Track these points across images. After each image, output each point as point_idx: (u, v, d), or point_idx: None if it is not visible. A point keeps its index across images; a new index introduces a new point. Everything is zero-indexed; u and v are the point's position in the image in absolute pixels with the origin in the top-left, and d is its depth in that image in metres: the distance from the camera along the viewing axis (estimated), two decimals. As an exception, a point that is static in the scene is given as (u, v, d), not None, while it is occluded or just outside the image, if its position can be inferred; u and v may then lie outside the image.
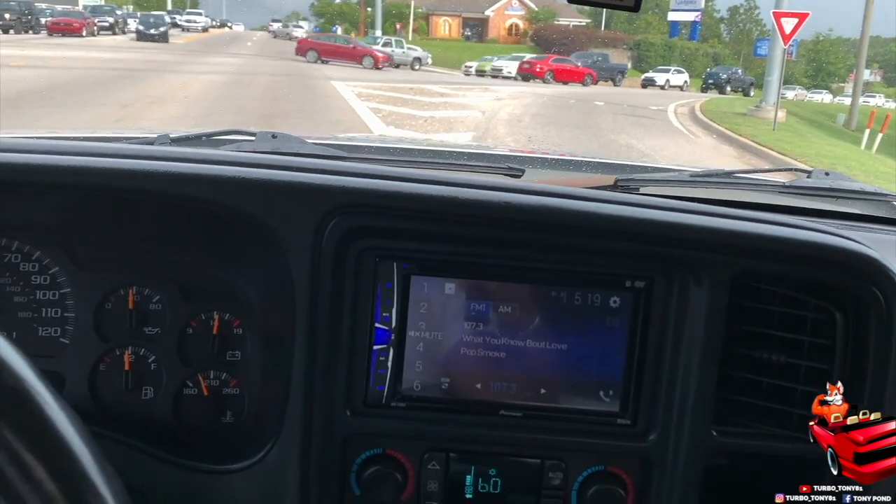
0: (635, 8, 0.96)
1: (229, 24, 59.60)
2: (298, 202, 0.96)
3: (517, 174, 1.57)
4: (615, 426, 1.03)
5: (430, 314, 1.02)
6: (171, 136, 1.55)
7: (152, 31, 31.72)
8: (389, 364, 1.01)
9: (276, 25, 51.82)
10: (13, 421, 0.46)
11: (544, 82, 28.56)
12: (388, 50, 31.57)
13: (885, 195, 1.72)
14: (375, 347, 1.01)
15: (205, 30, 45.53)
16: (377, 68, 27.98)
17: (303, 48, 29.42)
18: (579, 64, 31.66)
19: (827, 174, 1.77)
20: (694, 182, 1.77)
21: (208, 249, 1.08)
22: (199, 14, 48.08)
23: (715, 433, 1.01)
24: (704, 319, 0.99)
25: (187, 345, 1.09)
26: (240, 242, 1.04)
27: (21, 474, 0.45)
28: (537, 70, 29.72)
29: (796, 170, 1.92)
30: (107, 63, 17.61)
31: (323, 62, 27.64)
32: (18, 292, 1.07)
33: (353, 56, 29.12)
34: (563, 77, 29.55)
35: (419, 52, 34.46)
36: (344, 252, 0.98)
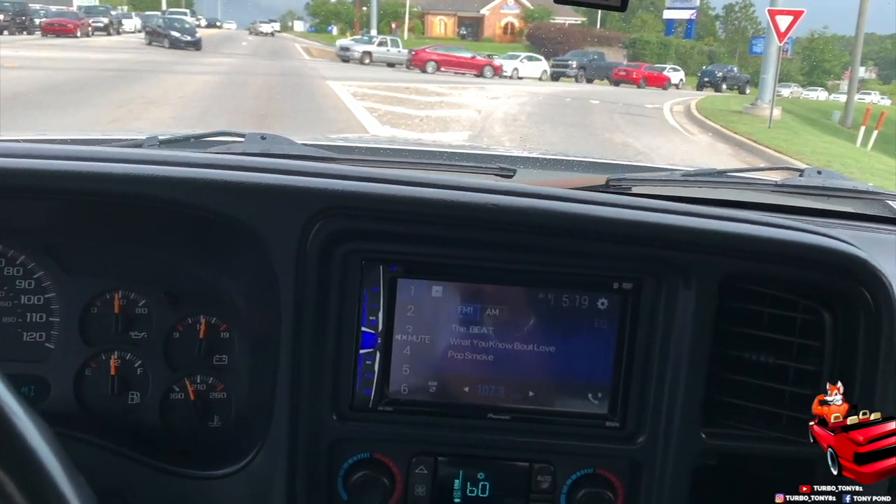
0: (622, 7, 0.96)
1: (219, 24, 56.26)
2: (283, 205, 0.95)
3: (508, 174, 1.57)
4: (604, 429, 1.03)
5: (418, 317, 1.01)
6: (159, 137, 1.54)
7: (187, 39, 27.50)
8: (376, 368, 1.01)
9: (259, 25, 50.29)
10: None
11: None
12: (498, 62, 30.90)
13: (878, 193, 1.73)
14: (362, 351, 1.00)
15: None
16: (496, 75, 27.89)
17: (420, 60, 28.07)
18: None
19: (819, 172, 1.76)
20: (686, 181, 1.77)
21: (195, 253, 1.07)
22: (184, 14, 40.60)
23: (704, 435, 1.00)
24: (693, 321, 0.98)
25: (174, 349, 1.08)
26: (226, 246, 1.03)
27: None
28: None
29: (789, 168, 1.92)
30: (101, 64, 17.56)
31: (441, 72, 26.80)
32: (3, 297, 1.06)
33: (474, 66, 28.62)
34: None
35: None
36: (329, 255, 0.97)
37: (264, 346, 1.01)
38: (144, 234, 1.07)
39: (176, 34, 28.08)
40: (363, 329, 1.00)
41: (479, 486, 1.04)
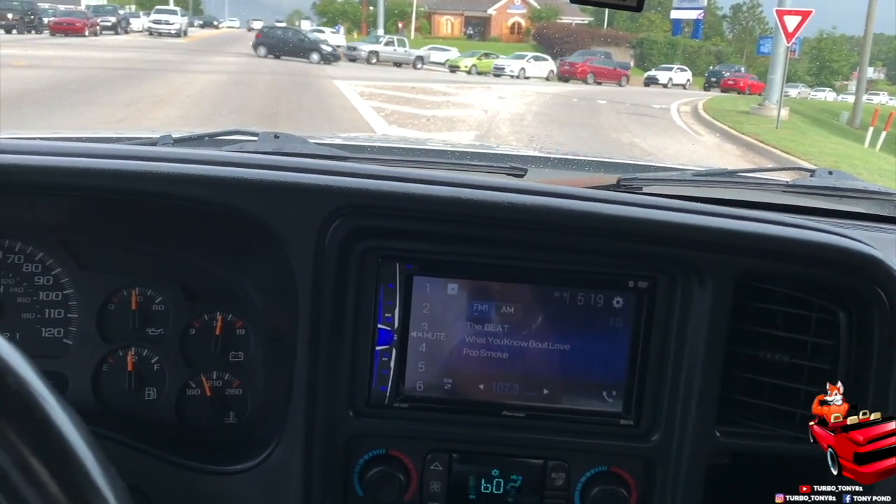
0: (638, 7, 0.96)
1: (217, 23, 51.78)
2: (301, 203, 0.96)
3: (520, 174, 1.57)
4: (618, 427, 1.03)
5: (433, 315, 1.02)
6: (173, 136, 1.55)
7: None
8: (392, 365, 1.01)
9: (252, 23, 49.07)
10: (17, 424, 0.46)
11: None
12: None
13: (889, 194, 1.72)
14: (378, 348, 1.01)
15: (178, 34, 34.82)
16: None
17: (573, 72, 29.24)
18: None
19: (830, 173, 1.76)
20: (697, 181, 1.77)
21: (211, 250, 1.08)
22: (174, 13, 37.47)
23: (718, 433, 1.01)
24: (707, 320, 0.99)
25: (190, 345, 1.09)
26: (243, 243, 1.04)
27: (25, 478, 0.45)
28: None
29: (799, 169, 1.92)
30: (110, 62, 17.62)
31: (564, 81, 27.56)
32: (22, 293, 1.07)
33: (616, 76, 30.09)
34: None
35: (421, 51, 34.41)
36: (347, 253, 0.98)
37: (280, 343, 1.01)
38: (161, 232, 1.08)
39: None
40: (379, 326, 1.01)
41: (494, 483, 1.04)
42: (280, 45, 27.23)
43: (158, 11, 37.07)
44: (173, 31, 34.68)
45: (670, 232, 0.98)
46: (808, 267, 0.98)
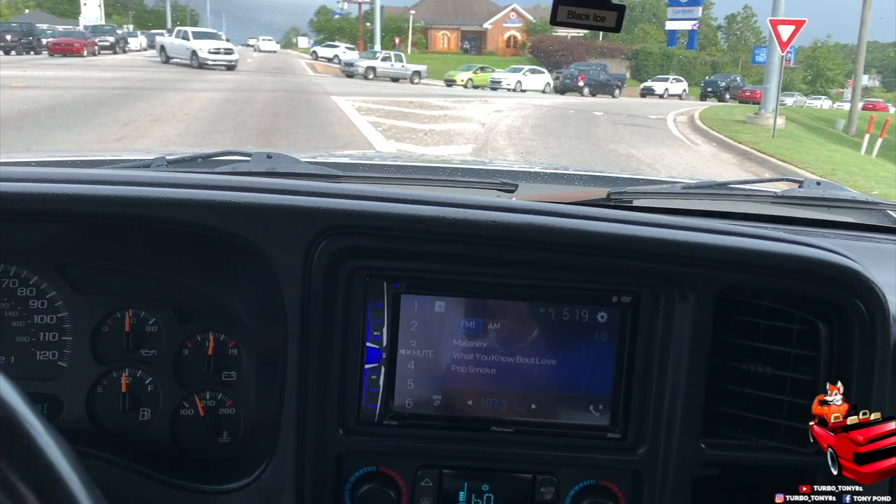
0: (616, 28, 0.98)
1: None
2: (289, 225, 0.97)
3: (510, 189, 1.59)
4: (606, 440, 1.04)
5: (421, 332, 1.03)
6: (167, 158, 1.57)
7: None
8: (381, 382, 1.03)
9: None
10: (5, 450, 0.47)
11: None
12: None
13: (877, 203, 1.74)
14: (367, 366, 1.02)
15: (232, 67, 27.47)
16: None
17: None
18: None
19: (818, 183, 1.78)
20: (687, 194, 1.79)
21: (203, 271, 1.10)
22: (218, 37, 29.90)
23: (704, 445, 1.02)
24: (691, 333, 1.00)
25: (183, 366, 1.10)
26: (234, 264, 1.06)
27: (11, 500, 0.47)
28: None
29: (789, 179, 1.94)
30: (108, 82, 17.72)
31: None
32: (16, 317, 1.09)
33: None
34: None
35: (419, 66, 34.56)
36: (334, 272, 0.99)
37: (271, 362, 1.03)
38: (154, 255, 1.10)
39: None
40: (368, 344, 1.02)
41: (484, 498, 1.05)
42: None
43: (204, 36, 29.29)
44: (232, 63, 27.98)
45: (653, 248, 0.99)
46: (788, 280, 1.00)
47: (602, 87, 33.35)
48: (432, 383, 1.04)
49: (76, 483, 0.49)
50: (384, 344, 1.02)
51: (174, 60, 28.38)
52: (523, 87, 31.74)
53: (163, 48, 29.98)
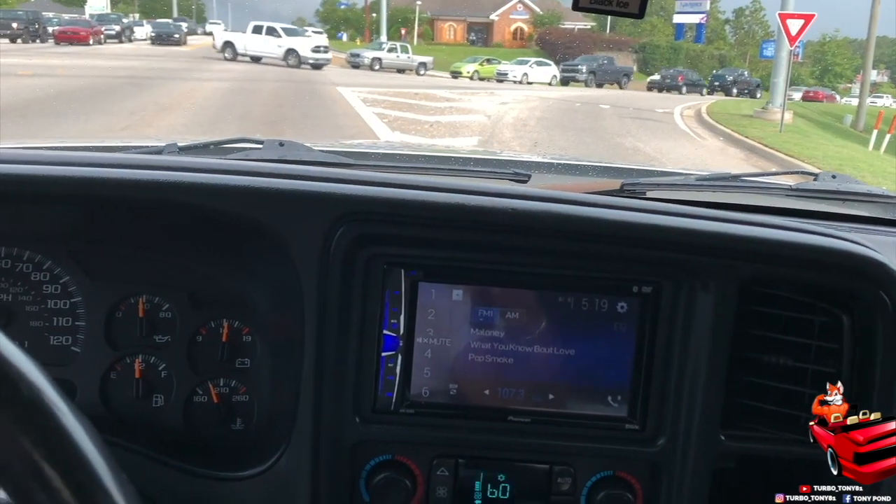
0: (640, 14, 0.97)
1: (203, 32, 43.06)
2: (307, 211, 0.96)
3: (523, 179, 1.58)
4: (624, 431, 1.03)
5: (438, 320, 1.02)
6: (178, 144, 1.56)
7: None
8: (398, 370, 1.02)
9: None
10: (32, 432, 0.47)
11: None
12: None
13: (892, 197, 1.72)
14: (384, 354, 1.02)
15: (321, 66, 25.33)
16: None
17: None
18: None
19: (834, 177, 1.77)
20: (700, 186, 1.77)
21: (217, 257, 1.09)
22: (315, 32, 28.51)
23: (723, 437, 1.01)
24: (712, 324, 0.99)
25: (197, 352, 1.09)
26: (249, 250, 1.05)
27: (39, 485, 0.46)
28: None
29: (803, 172, 1.93)
30: (114, 71, 17.70)
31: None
32: (30, 301, 1.08)
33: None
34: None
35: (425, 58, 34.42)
36: (352, 259, 0.98)
37: (287, 350, 1.02)
38: (168, 241, 1.09)
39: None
40: (385, 332, 1.01)
41: (500, 488, 1.05)
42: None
43: (293, 33, 26.79)
44: (328, 62, 25.80)
45: (674, 237, 0.98)
46: (811, 271, 0.99)
47: (609, 76, 33.33)
48: (449, 372, 1.03)
49: (103, 467, 0.48)
50: (401, 332, 1.01)
51: (242, 58, 25.63)
52: (530, 80, 31.65)
53: (229, 44, 26.48)
